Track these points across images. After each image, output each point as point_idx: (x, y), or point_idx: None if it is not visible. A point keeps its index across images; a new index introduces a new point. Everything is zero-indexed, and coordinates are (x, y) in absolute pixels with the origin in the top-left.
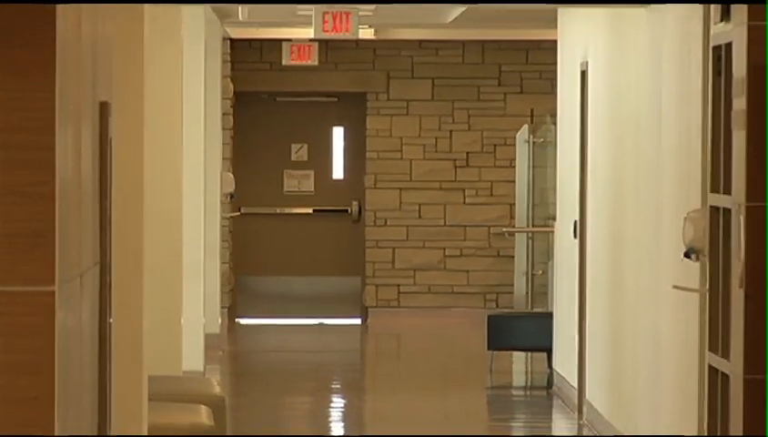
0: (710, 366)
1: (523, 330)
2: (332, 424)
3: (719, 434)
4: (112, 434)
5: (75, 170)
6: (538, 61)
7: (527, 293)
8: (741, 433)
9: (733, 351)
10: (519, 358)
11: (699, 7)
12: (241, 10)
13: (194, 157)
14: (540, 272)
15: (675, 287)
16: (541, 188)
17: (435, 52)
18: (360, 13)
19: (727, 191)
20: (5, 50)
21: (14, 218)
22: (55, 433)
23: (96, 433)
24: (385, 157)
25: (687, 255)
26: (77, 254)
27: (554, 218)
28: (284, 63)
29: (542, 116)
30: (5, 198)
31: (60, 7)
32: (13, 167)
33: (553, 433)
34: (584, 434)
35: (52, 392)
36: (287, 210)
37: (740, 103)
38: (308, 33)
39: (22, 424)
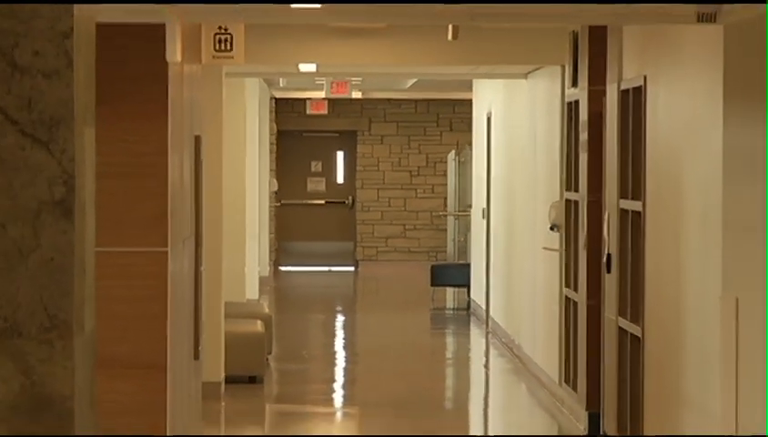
0: (565, 296)
1: (452, 274)
2: (336, 330)
3: (572, 341)
4: (202, 339)
5: (180, 178)
6: (461, 111)
7: (454, 251)
8: (585, 336)
9: (579, 287)
10: (449, 291)
11: (558, 77)
12: (281, 81)
13: (252, 169)
14: (462, 239)
15: (545, 248)
16: (463, 188)
17: (398, 106)
18: (353, 82)
19: (576, 190)
20: (137, 104)
21: (144, 207)
22: (168, 339)
23: (194, 336)
24: (368, 169)
25: (552, 228)
26: (181, 228)
27: (470, 206)
28: (307, 112)
29: (464, 145)
30: (138, 195)
31: (170, 75)
32: (144, 176)
33: (470, 337)
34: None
35: (165, 313)
36: (308, 202)
37: (584, 136)
38: (321, 94)
39: (146, 332)
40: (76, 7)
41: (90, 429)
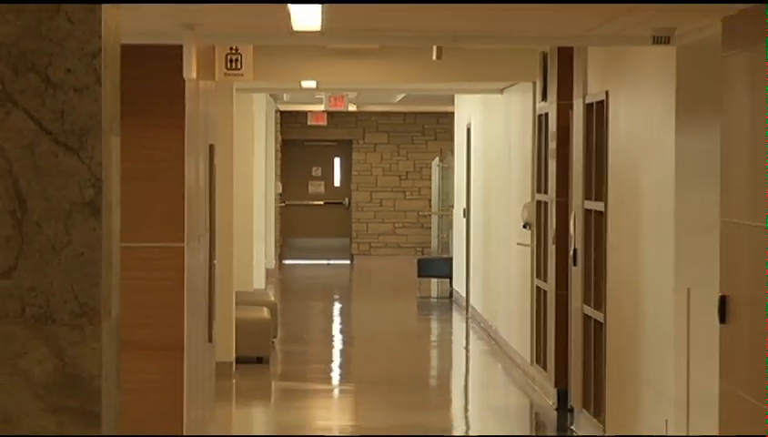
0: (537, 286)
1: (436, 266)
2: (334, 316)
3: (543, 326)
4: (215, 326)
5: (195, 181)
6: (444, 123)
7: (438, 247)
8: (554, 322)
9: (549, 278)
10: (434, 282)
11: (530, 92)
12: (285, 96)
13: (260, 173)
14: (445, 235)
15: (518, 243)
16: (446, 191)
17: (389, 118)
18: (349, 96)
19: (545, 192)
20: (157, 116)
21: (163, 207)
22: (185, 324)
23: (208, 322)
24: (362, 174)
25: (524, 226)
26: (196, 225)
27: (452, 207)
28: (308, 123)
29: (446, 152)
30: (158, 197)
31: (187, 90)
32: (163, 180)
33: (452, 322)
34: None
35: (182, 302)
36: (309, 202)
37: (552, 145)
38: (321, 107)
39: (165, 318)
40: (104, 30)
41: (115, 404)
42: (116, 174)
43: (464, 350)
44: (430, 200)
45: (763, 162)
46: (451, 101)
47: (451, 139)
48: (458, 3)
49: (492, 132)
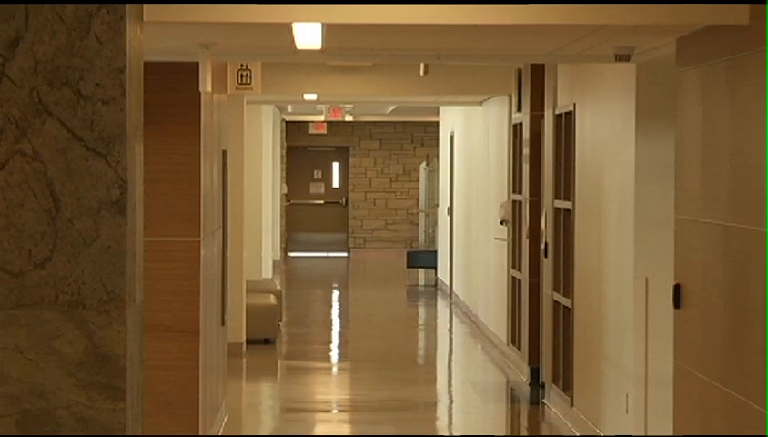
0: (512, 276)
1: (423, 258)
2: (332, 302)
3: (517, 311)
4: (228, 311)
5: (210, 182)
6: (430, 131)
7: (425, 240)
8: (527, 307)
9: (523, 268)
10: (421, 272)
11: (506, 104)
12: (290, 107)
13: (267, 176)
14: (431, 231)
15: (496, 238)
16: (431, 191)
17: (381, 127)
18: (346, 108)
19: (520, 192)
20: (176, 124)
21: (182, 205)
22: (200, 310)
23: (221, 307)
24: (358, 176)
25: (501, 223)
26: (211, 222)
27: (438, 205)
28: (310, 132)
29: (432, 157)
30: (177, 196)
31: (202, 102)
32: (181, 181)
33: (437, 307)
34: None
35: (198, 289)
36: (311, 202)
37: (526, 151)
38: (321, 117)
39: (183, 303)
40: (129, 48)
41: (139, 380)
42: (140, 176)
43: (448, 332)
44: (418, 200)
45: (713, 166)
46: (436, 112)
47: (436, 146)
48: (447, 16)
49: (473, 139)
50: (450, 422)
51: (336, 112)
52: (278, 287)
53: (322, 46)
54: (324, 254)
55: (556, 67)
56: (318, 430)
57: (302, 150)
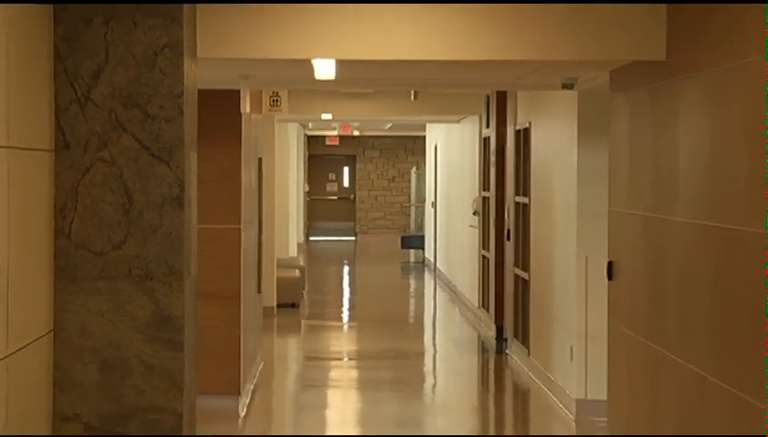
0: (482, 255)
1: (413, 241)
2: (343, 275)
3: (486, 282)
4: (263, 281)
5: (249, 182)
6: (419, 143)
7: (415, 227)
8: (494, 279)
9: (490, 249)
10: (412, 252)
11: (478, 122)
12: (310, 124)
13: (293, 178)
14: (420, 220)
15: (470, 226)
16: (420, 189)
17: (381, 140)
18: (354, 125)
19: (488, 190)
20: (223, 138)
21: (227, 200)
22: (241, 281)
23: (257, 279)
24: (363, 178)
25: (474, 214)
26: (249, 213)
27: (425, 200)
28: (326, 143)
29: (421, 163)
30: (223, 193)
31: (243, 120)
32: (227, 181)
33: (424, 280)
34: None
35: (239, 265)
36: (327, 197)
37: (493, 158)
38: (335, 132)
39: (228, 276)
40: (186, 79)
41: (193, 336)
42: (194, 178)
43: (432, 299)
44: (409, 196)
45: (637, 170)
46: (423, 128)
47: (424, 154)
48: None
49: (451, 149)
50: (435, 367)
51: (346, 128)
52: (302, 263)
53: (336, 77)
54: (337, 238)
55: (516, 94)
56: (333, 374)
57: (320, 158)
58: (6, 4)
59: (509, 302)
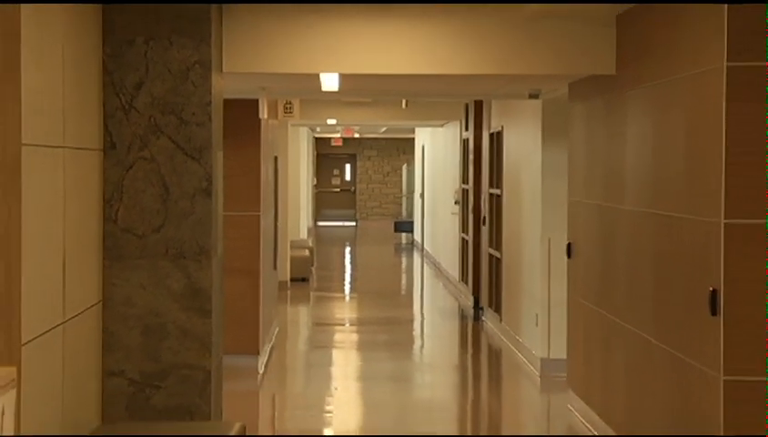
0: (462, 237)
1: (404, 226)
2: (346, 254)
3: (465, 259)
4: (278, 259)
5: (266, 177)
6: (409, 144)
7: (406, 214)
8: (472, 258)
9: (469, 232)
10: (403, 235)
11: (458, 126)
12: (318, 128)
13: (303, 173)
14: (410, 208)
15: (452, 213)
16: (410, 182)
17: (378, 141)
18: (355, 128)
19: (467, 183)
20: (245, 139)
21: (248, 192)
22: (260, 259)
23: (273, 257)
24: (362, 173)
25: (455, 203)
26: (267, 202)
27: (414, 191)
28: (331, 144)
29: (411, 161)
30: (245, 186)
31: (262, 124)
32: (248, 176)
33: (413, 258)
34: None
35: (259, 246)
36: (332, 189)
37: (471, 156)
38: (338, 135)
39: (249, 254)
40: (213, 90)
41: (220, 305)
42: (220, 173)
43: (420, 274)
44: (401, 188)
45: (591, 166)
46: (413, 131)
47: (413, 154)
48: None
49: (436, 149)
50: (422, 332)
51: (348, 131)
52: (311, 244)
53: (339, 89)
54: (340, 223)
55: (491, 102)
56: (337, 337)
57: (326, 156)
58: (62, 26)
59: (484, 277)
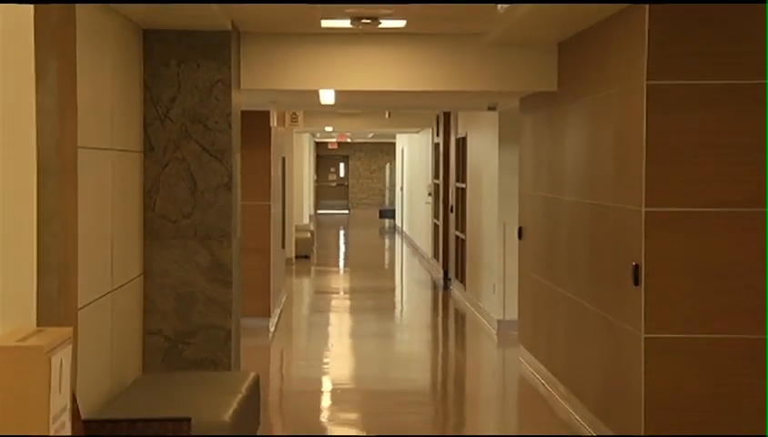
0: (434, 223)
1: (388, 213)
2: (340, 236)
3: (436, 240)
4: (286, 239)
5: (276, 174)
6: (391, 147)
7: (388, 203)
8: (442, 238)
9: (440, 218)
10: (386, 221)
11: (430, 133)
12: (317, 134)
13: (306, 171)
14: (392, 199)
15: (426, 202)
16: (392, 179)
17: (366, 145)
18: (348, 134)
19: (438, 178)
20: (258, 143)
21: (261, 185)
22: (271, 240)
23: (282, 237)
24: (354, 171)
25: (429, 194)
26: (276, 194)
27: (395, 185)
28: (329, 147)
29: (393, 162)
30: (258, 182)
31: (272, 132)
32: (263, 174)
33: (395, 240)
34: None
35: (269, 228)
36: (329, 184)
37: (441, 157)
38: (334, 140)
39: (261, 236)
40: (233, 103)
41: (240, 278)
42: (239, 171)
43: (400, 252)
44: (385, 182)
45: (538, 165)
46: (394, 137)
47: (394, 155)
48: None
49: (414, 152)
50: (402, 298)
51: (342, 137)
52: (312, 228)
53: (335, 102)
54: (336, 211)
55: (457, 113)
56: (333, 303)
57: (324, 157)
58: (111, 52)
59: (452, 254)
